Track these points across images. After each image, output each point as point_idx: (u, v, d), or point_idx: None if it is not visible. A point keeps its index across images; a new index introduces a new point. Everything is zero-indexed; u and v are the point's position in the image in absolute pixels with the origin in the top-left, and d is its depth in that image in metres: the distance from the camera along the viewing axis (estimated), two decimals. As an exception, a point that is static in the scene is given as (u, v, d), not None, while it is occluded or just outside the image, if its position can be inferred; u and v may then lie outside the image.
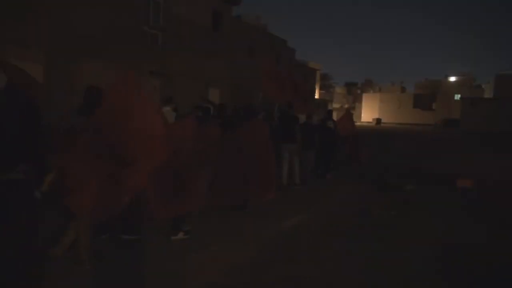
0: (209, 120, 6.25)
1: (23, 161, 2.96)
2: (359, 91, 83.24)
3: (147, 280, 3.68)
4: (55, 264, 3.66)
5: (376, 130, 36.28)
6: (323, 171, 9.71)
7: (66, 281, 3.49)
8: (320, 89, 56.86)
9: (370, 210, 6.48)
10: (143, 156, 3.46)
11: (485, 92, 64.62)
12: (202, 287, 3.61)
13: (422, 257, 4.52)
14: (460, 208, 6.97)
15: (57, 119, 4.33)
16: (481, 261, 4.48)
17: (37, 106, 3.63)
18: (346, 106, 70.42)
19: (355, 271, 4.07)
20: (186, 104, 8.15)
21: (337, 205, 7.03)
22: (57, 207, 3.88)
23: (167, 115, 5.63)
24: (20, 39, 9.55)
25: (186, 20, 16.25)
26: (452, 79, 70.45)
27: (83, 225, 3.81)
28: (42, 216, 3.41)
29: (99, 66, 11.36)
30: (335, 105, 68.26)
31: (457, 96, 58.45)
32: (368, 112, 64.93)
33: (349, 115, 11.73)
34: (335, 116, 14.04)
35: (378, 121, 58.51)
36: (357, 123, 42.04)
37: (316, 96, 45.31)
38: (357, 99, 77.12)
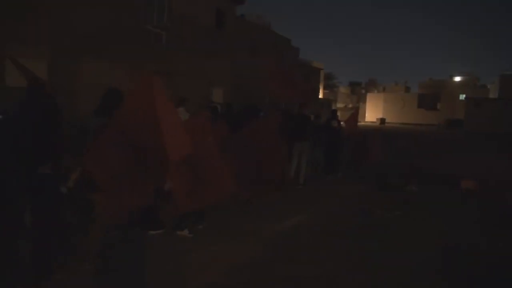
0: (217, 119, 6.35)
1: (51, 158, 3.25)
2: (363, 91, 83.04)
3: (147, 280, 3.70)
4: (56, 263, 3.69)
5: (380, 130, 36.13)
6: (326, 171, 9.81)
7: (67, 281, 3.52)
8: (324, 88, 56.79)
9: (371, 210, 6.48)
10: (165, 156, 3.51)
11: (490, 92, 64.26)
12: (202, 287, 3.63)
13: (423, 258, 4.52)
14: (462, 208, 6.96)
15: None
16: (483, 262, 4.49)
17: (56, 105, 3.86)
18: (350, 105, 70.31)
19: (356, 271, 4.09)
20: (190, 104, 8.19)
21: (338, 205, 7.02)
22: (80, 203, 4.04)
23: (181, 115, 5.82)
24: (24, 38, 9.61)
25: (190, 19, 16.28)
26: (457, 79, 70.12)
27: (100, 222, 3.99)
28: (65, 210, 3.74)
29: (102, 64, 11.43)
30: (339, 105, 68.12)
31: (462, 96, 58.18)
32: (372, 112, 64.73)
33: (356, 115, 11.75)
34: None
35: (382, 121, 58.34)
36: (361, 123, 41.94)
37: (320, 96, 45.27)
38: (361, 99, 76.92)
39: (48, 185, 3.29)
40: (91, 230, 4.07)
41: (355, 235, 5.25)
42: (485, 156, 15.51)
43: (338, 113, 11.48)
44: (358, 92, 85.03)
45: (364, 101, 70.92)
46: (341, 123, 10.76)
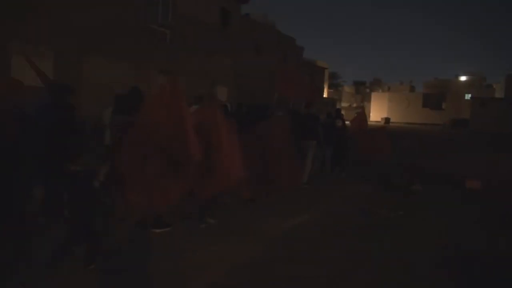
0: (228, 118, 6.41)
1: (82, 155, 3.55)
2: (367, 90, 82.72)
3: (147, 279, 3.73)
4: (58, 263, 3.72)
5: (385, 127, 35.78)
6: (331, 169, 9.96)
7: (67, 281, 3.55)
8: (329, 88, 56.63)
9: (373, 210, 6.48)
10: (186, 154, 3.75)
11: (495, 92, 63.81)
12: (202, 287, 3.65)
13: (424, 258, 4.53)
14: (465, 208, 6.94)
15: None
16: (484, 262, 4.49)
17: (73, 105, 4.11)
18: (354, 105, 70.07)
19: (356, 272, 4.10)
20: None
21: (339, 205, 7.02)
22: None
23: None
24: (28, 36, 9.66)
25: (195, 18, 16.30)
26: (463, 78, 69.69)
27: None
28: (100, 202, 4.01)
29: (107, 63, 11.47)
30: (344, 104, 67.94)
31: (468, 96, 57.83)
32: (376, 111, 64.42)
33: (363, 114, 11.77)
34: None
35: (387, 120, 58.05)
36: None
37: (325, 95, 45.13)
38: (366, 98, 76.62)
39: (81, 180, 3.54)
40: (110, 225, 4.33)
41: (356, 235, 5.26)
42: (490, 156, 15.43)
43: (343, 112, 11.51)
44: (363, 91, 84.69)
45: (369, 101, 70.65)
46: (346, 122, 10.82)
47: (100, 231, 4.01)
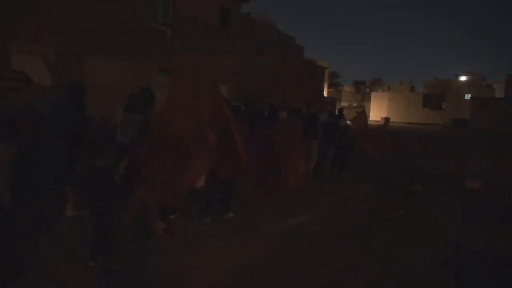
0: (240, 118, 6.49)
1: (104, 150, 3.71)
2: (367, 90, 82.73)
3: (147, 279, 3.73)
4: (57, 263, 3.72)
5: (386, 125, 35.78)
6: (332, 169, 10.01)
7: (67, 280, 3.55)
8: (329, 87, 56.61)
9: (374, 210, 6.48)
10: (203, 150, 3.88)
11: (495, 92, 63.81)
12: (202, 287, 3.65)
13: (424, 257, 4.54)
14: (465, 208, 6.94)
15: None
16: (484, 262, 4.49)
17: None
18: (354, 104, 70.03)
19: (356, 272, 4.10)
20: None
21: (339, 205, 7.02)
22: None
23: None
24: (29, 35, 9.66)
25: (195, 17, 16.28)
26: (463, 78, 69.69)
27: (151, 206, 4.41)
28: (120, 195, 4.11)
29: (107, 62, 11.46)
30: (344, 104, 67.88)
31: (468, 96, 57.82)
32: (376, 111, 64.36)
33: (363, 113, 11.75)
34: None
35: (387, 120, 57.95)
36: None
37: (325, 94, 45.10)
38: (366, 98, 76.62)
39: (103, 175, 3.71)
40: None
41: (356, 235, 5.26)
42: (490, 156, 15.44)
43: (343, 112, 11.55)
44: (363, 91, 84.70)
45: (369, 100, 70.66)
46: (347, 122, 10.84)
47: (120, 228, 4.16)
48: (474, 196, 7.83)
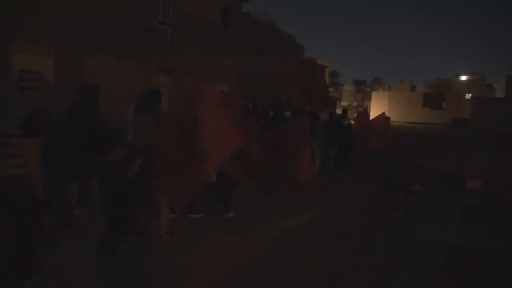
0: (248, 118, 6.61)
1: (118, 148, 3.97)
2: (368, 89, 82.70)
3: (147, 279, 3.73)
4: (57, 260, 3.73)
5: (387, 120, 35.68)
6: (335, 168, 10.13)
7: (67, 280, 3.56)
8: (329, 86, 56.58)
9: (374, 210, 6.48)
10: (215, 150, 4.07)
11: (496, 91, 63.75)
12: (206, 284, 3.66)
13: (425, 258, 4.54)
14: (466, 208, 6.93)
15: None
16: (485, 262, 4.51)
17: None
18: (355, 104, 70.04)
19: (356, 272, 4.11)
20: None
21: (340, 205, 7.02)
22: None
23: None
24: (30, 34, 9.66)
25: (196, 16, 16.27)
26: (463, 78, 69.64)
27: (164, 204, 4.60)
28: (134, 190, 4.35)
29: (107, 61, 11.45)
30: (344, 103, 67.84)
31: (468, 96, 57.76)
32: (377, 110, 64.11)
33: (365, 111, 11.83)
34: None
35: (386, 117, 57.86)
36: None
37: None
38: (366, 97, 76.59)
39: (119, 171, 3.93)
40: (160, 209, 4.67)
41: (356, 235, 5.26)
42: (490, 156, 15.44)
43: (347, 112, 11.67)
44: (363, 90, 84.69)
45: (369, 100, 70.63)
46: (351, 121, 10.92)
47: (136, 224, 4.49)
48: (474, 196, 7.83)
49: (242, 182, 6.12)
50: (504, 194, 7.92)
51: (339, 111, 24.62)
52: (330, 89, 60.05)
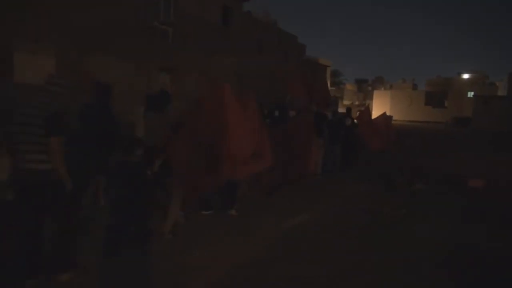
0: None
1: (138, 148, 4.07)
2: (369, 88, 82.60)
3: (147, 279, 3.74)
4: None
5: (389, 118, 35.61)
6: (339, 167, 10.20)
7: (67, 278, 3.57)
8: (331, 85, 56.55)
9: (375, 209, 6.48)
10: (232, 151, 4.28)
11: (498, 90, 63.61)
12: (206, 284, 3.67)
13: (425, 258, 4.54)
14: (467, 208, 6.91)
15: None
16: (485, 262, 4.50)
17: None
18: (356, 103, 69.93)
19: (356, 272, 4.11)
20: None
21: (340, 205, 7.01)
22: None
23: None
24: (32, 34, 9.68)
25: (197, 16, 16.27)
26: (465, 76, 69.46)
27: (176, 202, 4.77)
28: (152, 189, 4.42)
29: (108, 60, 11.47)
30: (346, 102, 67.78)
31: (470, 94, 57.60)
32: (378, 109, 64.07)
33: (367, 110, 11.89)
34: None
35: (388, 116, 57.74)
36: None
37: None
38: (368, 96, 76.51)
39: (138, 170, 4.05)
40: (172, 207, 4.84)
41: (356, 235, 5.26)
42: (491, 156, 15.40)
43: (351, 111, 11.69)
44: (365, 89, 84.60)
45: (371, 98, 70.53)
46: (355, 120, 10.96)
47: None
48: (475, 196, 7.81)
49: (246, 180, 6.32)
50: (504, 194, 7.90)
51: (341, 110, 24.59)
52: (332, 88, 60.12)
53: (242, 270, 4.00)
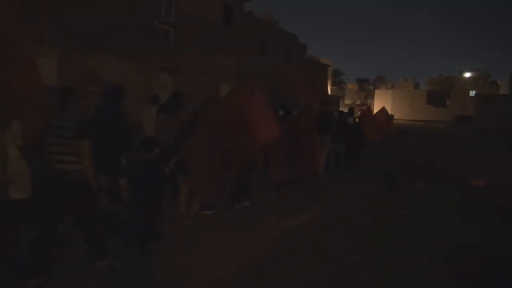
0: None
1: (155, 147, 4.45)
2: (371, 87, 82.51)
3: (147, 279, 3.75)
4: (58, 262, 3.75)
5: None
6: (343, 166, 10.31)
7: (66, 279, 3.58)
8: (332, 85, 56.52)
9: (376, 209, 6.48)
10: (246, 150, 4.54)
11: (500, 88, 63.48)
12: (206, 284, 3.68)
13: (425, 258, 4.54)
14: (467, 208, 6.91)
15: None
16: (486, 262, 4.49)
17: None
18: (358, 102, 69.91)
19: (356, 272, 4.11)
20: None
21: (340, 204, 7.01)
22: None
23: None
24: (34, 34, 9.70)
25: (198, 16, 16.29)
26: (467, 75, 69.38)
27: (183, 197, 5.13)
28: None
29: (110, 61, 11.50)
30: (347, 101, 67.77)
31: (472, 93, 57.49)
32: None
33: (368, 109, 11.90)
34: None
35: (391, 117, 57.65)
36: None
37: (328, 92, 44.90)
38: (369, 96, 76.43)
39: (157, 167, 4.44)
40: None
41: (356, 235, 5.26)
42: (493, 155, 15.37)
43: (353, 111, 11.74)
44: (366, 88, 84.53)
45: (372, 98, 70.45)
46: (356, 120, 11.03)
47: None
48: (476, 196, 7.80)
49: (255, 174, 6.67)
50: (506, 194, 7.88)
51: (342, 109, 24.60)
52: (333, 87, 60.09)
53: (242, 270, 4.01)
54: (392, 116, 12.60)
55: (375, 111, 11.96)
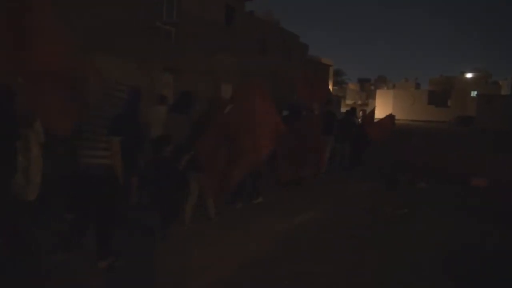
0: None
1: (168, 146, 4.66)
2: (372, 87, 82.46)
3: (147, 279, 3.76)
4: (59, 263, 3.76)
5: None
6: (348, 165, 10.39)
7: (67, 279, 3.59)
8: (333, 85, 56.50)
9: (377, 208, 6.48)
10: (256, 148, 4.60)
11: (502, 89, 63.38)
12: (203, 286, 3.68)
13: (426, 258, 4.53)
14: (469, 208, 6.91)
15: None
16: (486, 262, 4.48)
17: None
18: (359, 102, 69.87)
19: (356, 272, 4.11)
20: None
21: (341, 204, 7.00)
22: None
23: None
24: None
25: (199, 16, 16.30)
26: (468, 75, 69.26)
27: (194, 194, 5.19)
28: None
29: (112, 61, 11.51)
30: (348, 101, 67.76)
31: (473, 93, 57.44)
32: (381, 109, 63.96)
33: (372, 113, 11.93)
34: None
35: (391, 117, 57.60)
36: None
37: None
38: (371, 96, 76.38)
39: (171, 164, 4.64)
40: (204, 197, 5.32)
41: (357, 235, 5.25)
42: (495, 155, 15.33)
43: (356, 111, 11.81)
44: (367, 88, 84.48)
45: (374, 98, 70.40)
46: (359, 120, 11.09)
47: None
48: (477, 195, 7.80)
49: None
50: (507, 194, 7.87)
51: (343, 110, 24.55)
52: (334, 87, 60.09)
53: (242, 270, 4.01)
54: (394, 116, 12.63)
55: (377, 112, 12.00)
